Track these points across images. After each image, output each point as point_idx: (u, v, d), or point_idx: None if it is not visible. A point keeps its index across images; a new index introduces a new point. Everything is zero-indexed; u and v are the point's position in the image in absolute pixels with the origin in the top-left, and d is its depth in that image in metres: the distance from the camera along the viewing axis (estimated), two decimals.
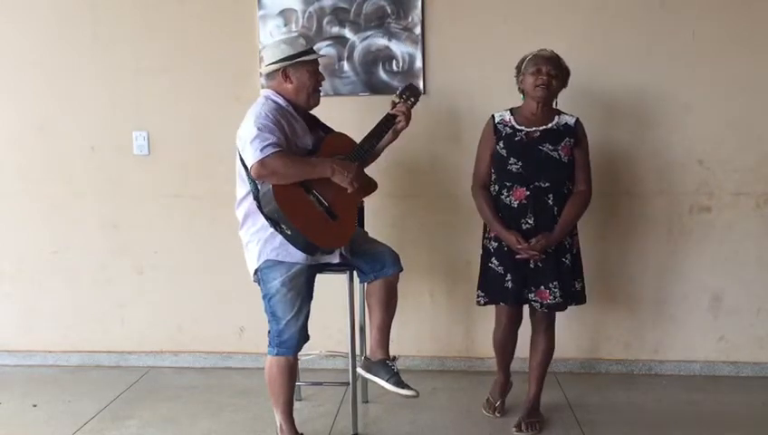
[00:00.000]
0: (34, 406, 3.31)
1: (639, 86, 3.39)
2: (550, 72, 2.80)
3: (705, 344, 3.54)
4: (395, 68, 3.48)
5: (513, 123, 2.90)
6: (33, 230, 3.76)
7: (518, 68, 2.90)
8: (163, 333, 3.76)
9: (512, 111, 2.95)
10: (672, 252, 3.49)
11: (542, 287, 2.86)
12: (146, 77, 3.60)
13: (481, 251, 3.01)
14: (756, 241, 3.45)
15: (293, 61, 2.66)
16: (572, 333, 3.55)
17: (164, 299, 3.74)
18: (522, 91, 2.91)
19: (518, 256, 2.84)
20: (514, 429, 2.94)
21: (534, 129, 2.87)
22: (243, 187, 2.68)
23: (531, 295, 2.88)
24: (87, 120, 3.65)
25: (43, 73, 3.65)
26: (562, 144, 2.86)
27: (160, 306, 3.74)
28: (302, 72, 2.68)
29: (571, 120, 2.90)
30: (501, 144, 2.89)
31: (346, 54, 3.49)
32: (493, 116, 2.96)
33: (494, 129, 2.92)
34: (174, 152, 3.64)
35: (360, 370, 2.87)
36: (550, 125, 2.88)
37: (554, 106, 2.94)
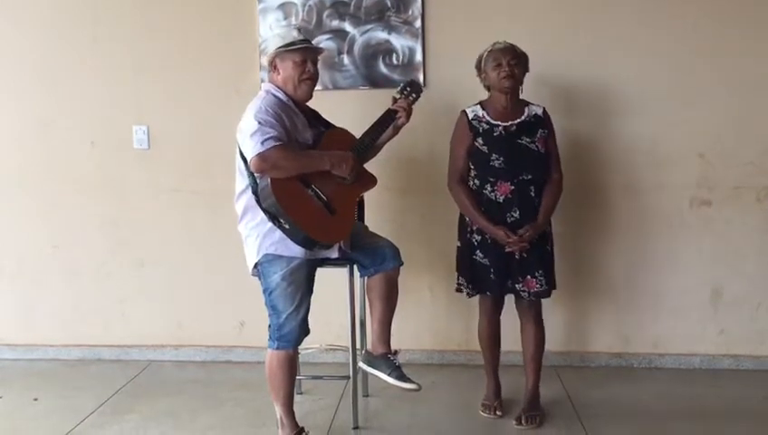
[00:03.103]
0: (35, 400, 3.31)
1: (640, 79, 3.38)
2: (510, 62, 2.85)
3: (705, 338, 3.53)
4: (395, 61, 3.47)
5: (488, 118, 2.92)
6: (34, 225, 3.76)
7: (478, 67, 2.96)
8: (163, 327, 3.77)
9: (482, 105, 2.96)
10: (672, 245, 3.48)
11: (529, 277, 2.90)
12: (146, 71, 3.59)
13: (459, 244, 3.04)
14: (757, 235, 3.44)
15: (277, 51, 2.68)
16: (572, 326, 3.55)
17: (164, 293, 3.74)
18: (488, 87, 2.96)
19: (508, 249, 2.86)
20: (515, 422, 2.94)
21: (510, 123, 2.91)
22: (242, 181, 2.68)
23: (518, 286, 2.92)
24: (87, 114, 3.66)
25: (42, 68, 3.65)
26: (538, 136, 2.91)
27: (161, 301, 3.74)
28: (287, 63, 2.68)
29: (540, 110, 2.96)
30: (480, 141, 2.90)
31: (346, 48, 3.49)
32: (465, 112, 2.97)
33: (469, 125, 2.93)
34: (174, 147, 3.64)
35: (361, 364, 2.87)
36: (523, 117, 2.92)
37: (521, 96, 2.97)
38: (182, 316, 3.75)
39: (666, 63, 3.37)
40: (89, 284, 3.76)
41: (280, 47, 2.68)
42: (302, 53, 2.71)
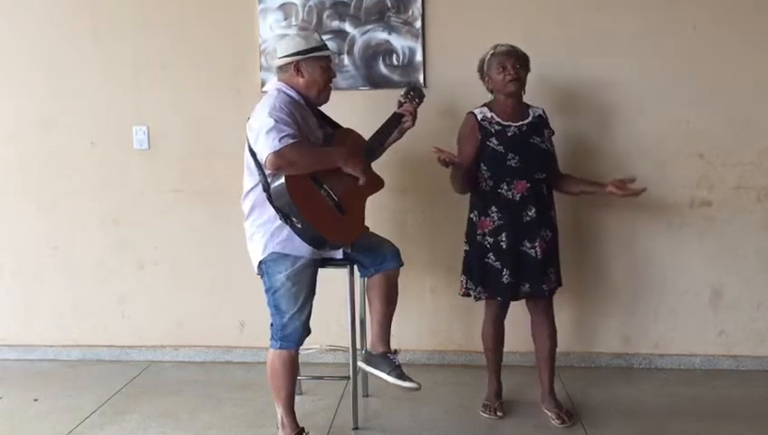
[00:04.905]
0: (35, 400, 3.31)
1: (640, 79, 3.38)
2: (515, 66, 2.86)
3: (705, 338, 3.53)
4: (395, 62, 3.47)
5: (499, 120, 2.92)
6: (34, 225, 3.76)
7: (480, 70, 2.96)
8: (164, 327, 3.76)
9: (489, 107, 2.96)
10: (673, 246, 3.48)
11: (548, 273, 2.93)
12: (146, 71, 3.60)
13: (467, 248, 3.00)
14: (757, 235, 3.44)
15: (307, 55, 2.67)
16: (573, 327, 3.55)
17: (164, 294, 3.74)
18: (491, 90, 2.96)
19: None
20: (557, 422, 2.93)
21: (521, 123, 2.92)
22: (251, 178, 2.67)
23: (544, 286, 2.92)
24: (87, 115, 3.66)
25: (42, 68, 3.65)
26: (545, 136, 2.95)
27: (161, 301, 3.74)
28: (314, 68, 2.69)
29: (540, 111, 3.00)
30: (494, 141, 2.89)
31: (346, 48, 3.48)
32: (473, 113, 2.96)
33: (479, 125, 2.93)
34: (174, 147, 3.63)
35: (361, 363, 2.87)
36: (530, 118, 2.94)
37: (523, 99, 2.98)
38: (182, 316, 3.75)
39: (666, 63, 3.37)
40: (89, 284, 3.76)
41: (306, 50, 2.66)
42: (329, 57, 2.74)
